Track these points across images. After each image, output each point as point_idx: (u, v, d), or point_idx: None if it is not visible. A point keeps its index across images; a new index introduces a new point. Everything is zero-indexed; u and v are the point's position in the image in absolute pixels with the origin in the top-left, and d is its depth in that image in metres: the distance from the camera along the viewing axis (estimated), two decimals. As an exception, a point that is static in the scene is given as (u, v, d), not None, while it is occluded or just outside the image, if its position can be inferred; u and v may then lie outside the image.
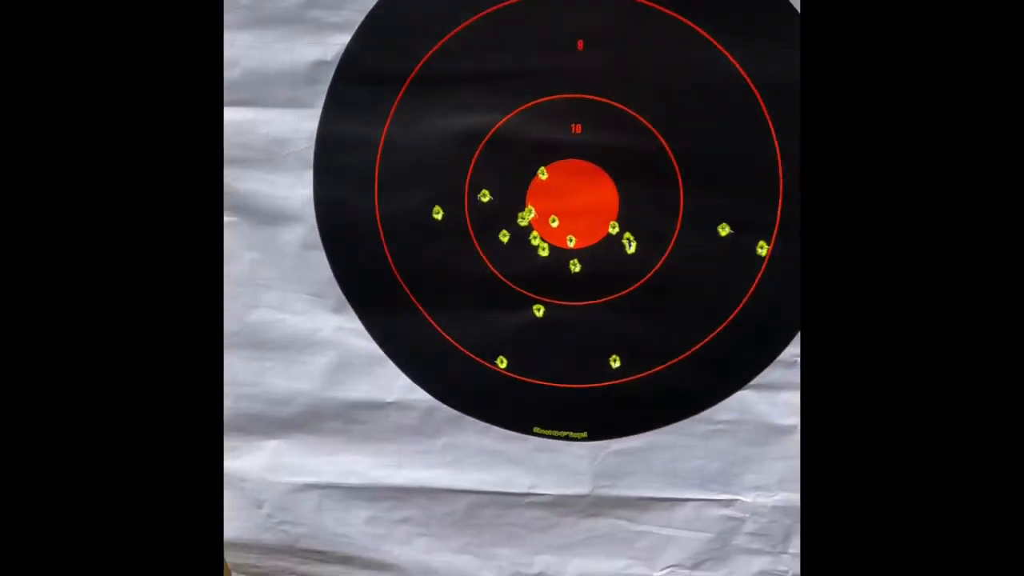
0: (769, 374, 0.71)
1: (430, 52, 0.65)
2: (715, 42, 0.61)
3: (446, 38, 0.64)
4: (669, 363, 0.71)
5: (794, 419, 0.72)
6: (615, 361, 0.72)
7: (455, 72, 0.65)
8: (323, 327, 0.74)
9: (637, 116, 0.64)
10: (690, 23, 0.62)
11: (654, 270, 0.68)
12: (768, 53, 0.61)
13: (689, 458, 0.74)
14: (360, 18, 0.65)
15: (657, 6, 0.62)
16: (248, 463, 0.79)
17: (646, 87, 0.63)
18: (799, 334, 0.69)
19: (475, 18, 0.65)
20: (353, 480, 0.78)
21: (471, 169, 0.67)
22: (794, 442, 0.73)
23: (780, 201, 0.65)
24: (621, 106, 0.64)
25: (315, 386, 0.75)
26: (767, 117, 0.62)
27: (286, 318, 0.74)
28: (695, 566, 0.79)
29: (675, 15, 0.62)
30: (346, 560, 0.81)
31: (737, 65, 0.61)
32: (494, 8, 0.64)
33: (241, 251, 0.72)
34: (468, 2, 0.65)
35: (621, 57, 0.63)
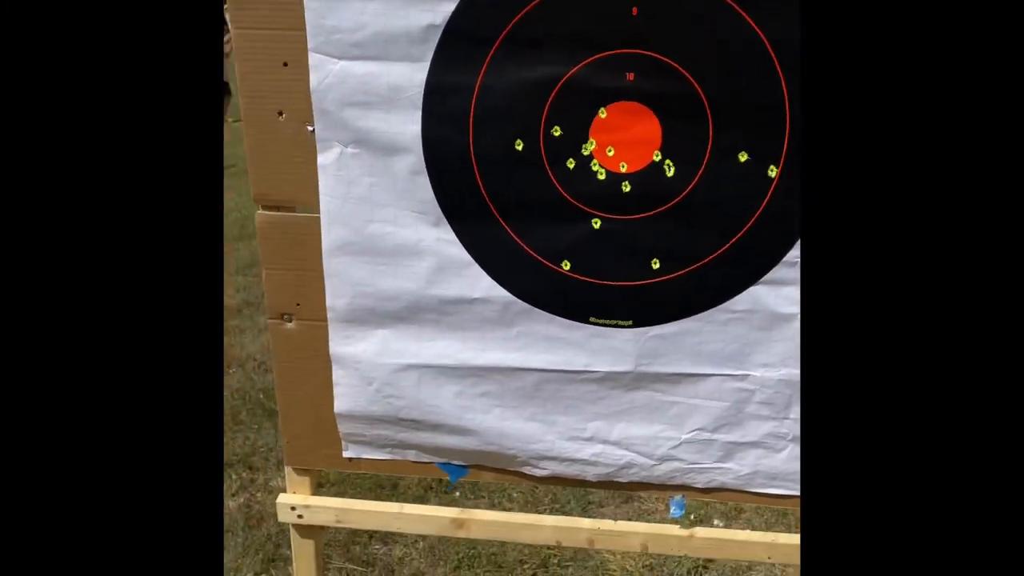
0: (776, 272, 0.90)
1: (516, 18, 0.83)
2: (736, 7, 0.80)
3: (529, 7, 0.83)
4: (698, 264, 0.91)
5: (795, 308, 0.92)
6: (655, 263, 0.92)
7: (535, 34, 0.83)
8: (425, 238, 0.93)
9: (678, 67, 0.83)
10: (721, -5, 0.81)
11: (688, 190, 0.88)
12: (778, 12, 0.79)
13: (712, 341, 0.95)
14: (464, -10, 0.84)
15: (695, -18, 0.81)
16: (361, 348, 0.99)
17: (685, 44, 0.82)
18: (799, 241, 0.88)
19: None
20: (445, 361, 0.98)
21: (546, 110, 0.86)
22: (795, 327, 0.93)
23: (787, 133, 0.84)
24: (666, 59, 0.83)
25: (417, 286, 0.95)
26: (777, 66, 0.81)
27: (396, 231, 0.93)
28: (715, 430, 1.00)
29: (708, -11, 0.81)
30: (436, 427, 1.02)
31: (753, 24, 0.80)
32: (566, -16, 0.83)
33: (362, 177, 0.91)
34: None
35: (666, 21, 0.82)
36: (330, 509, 1.10)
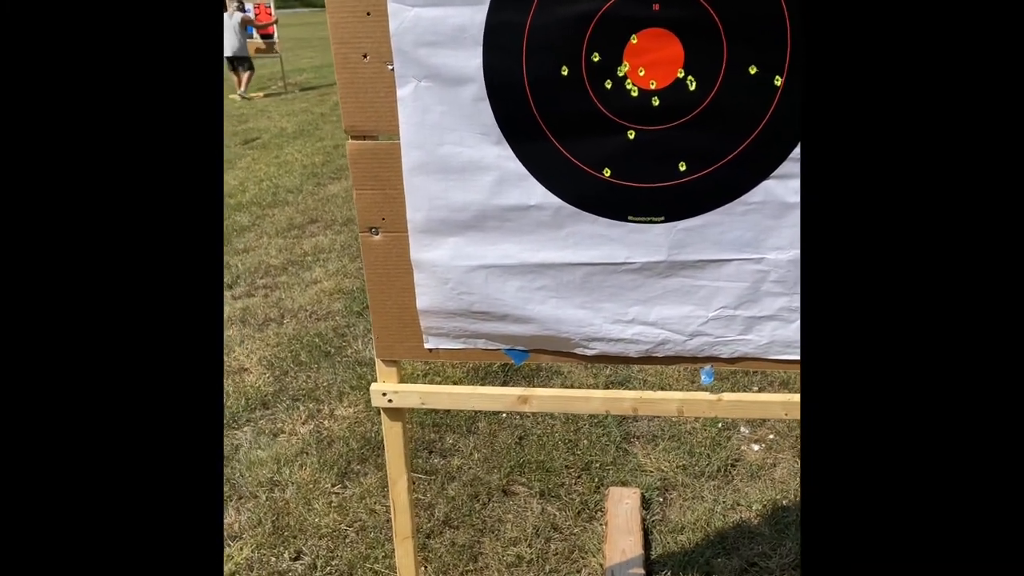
0: (783, 168, 1.08)
1: (560, -37, 1.01)
2: (745, -55, 0.97)
3: (570, -47, 1.00)
4: (718, 164, 1.09)
5: (797, 197, 1.09)
6: (682, 166, 1.10)
7: (576, -25, 1.01)
8: (487, 155, 1.12)
9: (695, -3, 1.00)
10: (729, -67, 0.97)
11: (707, 100, 1.05)
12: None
13: (732, 230, 1.13)
14: (514, -57, 1.01)
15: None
16: (437, 254, 1.19)
17: (701, -23, 0.99)
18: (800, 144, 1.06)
19: (587, -62, 1.01)
20: (507, 261, 1.18)
21: (586, 40, 1.04)
22: (796, 214, 1.10)
23: (788, 47, 1.01)
24: (685, -9, 1.00)
25: (482, 197, 1.14)
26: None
27: (463, 151, 1.12)
28: (737, 307, 1.18)
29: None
30: (502, 317, 1.22)
31: (759, -41, 0.97)
32: (600, -69, 1.00)
33: (434, 105, 1.10)
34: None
35: (684, -42, 0.99)
36: (415, 393, 1.30)
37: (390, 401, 1.31)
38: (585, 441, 2.33)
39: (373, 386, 1.31)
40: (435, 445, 2.33)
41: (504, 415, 2.46)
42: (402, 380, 1.33)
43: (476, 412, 2.47)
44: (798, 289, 1.16)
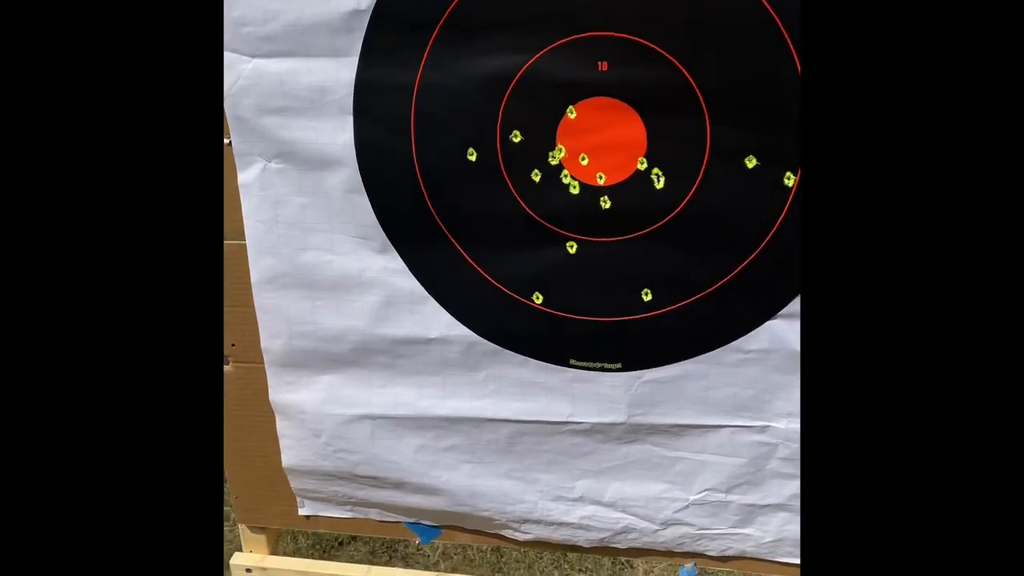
0: (798, 304, 0.72)
1: (451, 7, 0.67)
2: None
3: (472, -15, 0.66)
4: (700, 295, 0.73)
5: (824, 347, 0.73)
6: (647, 294, 0.74)
7: (483, 16, 0.67)
8: (369, 267, 0.78)
9: (662, 52, 0.65)
10: (713, -44, 0.62)
11: (683, 204, 0.70)
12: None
13: (721, 386, 0.77)
14: (391, -34, 0.67)
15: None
16: (305, 396, 0.85)
17: (671, 22, 0.64)
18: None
19: (501, -38, 0.66)
20: (402, 411, 0.83)
21: (502, 110, 0.69)
22: (825, 370, 0.74)
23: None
24: (646, 42, 0.65)
25: (364, 323, 0.80)
26: (789, 46, 0.63)
27: (334, 259, 0.78)
28: (729, 490, 0.82)
29: (696, -52, 0.63)
30: (399, 485, 0.87)
31: (766, 4, 0.62)
32: (519, -49, 0.66)
33: (290, 196, 0.76)
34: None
35: (645, -6, 0.64)
36: (290, 572, 0.96)
37: (257, 579, 0.96)
38: None
39: (235, 557, 0.97)
40: None
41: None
42: (280, 547, 0.99)
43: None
44: (819, 472, 0.78)
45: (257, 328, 0.83)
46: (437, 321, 0.79)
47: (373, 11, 0.68)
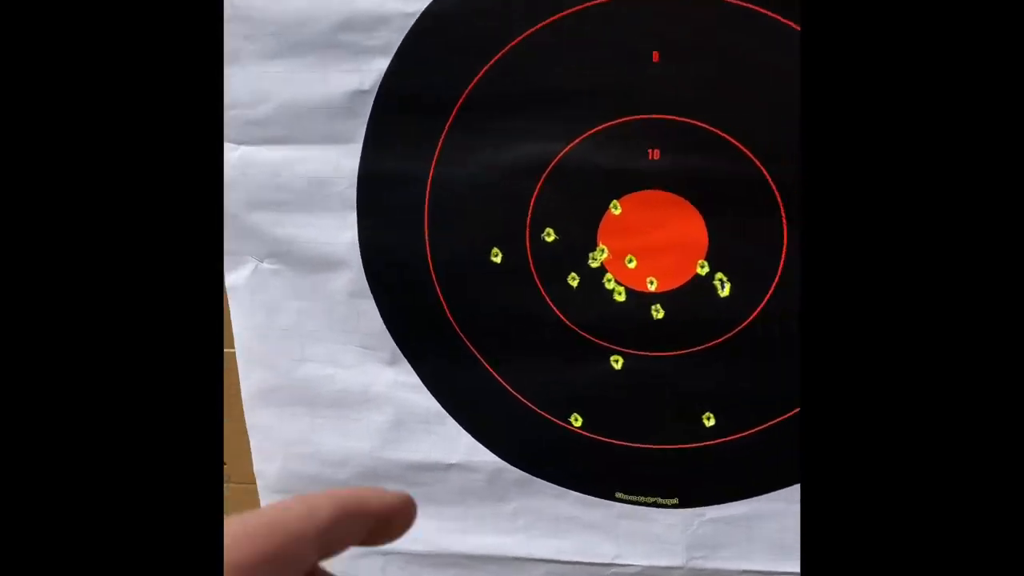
0: (898, 434, 0.59)
1: (481, 73, 0.56)
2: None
3: (498, 56, 0.55)
4: (773, 421, 0.60)
5: (930, 486, 0.60)
6: (709, 419, 0.61)
7: (510, 95, 0.56)
8: (377, 382, 0.66)
9: (727, 136, 0.53)
10: (791, 23, 0.51)
11: (754, 315, 0.57)
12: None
13: (797, 528, 0.63)
14: (399, 39, 0.57)
15: (750, 5, 0.51)
16: (305, 526, 0.73)
17: (736, 102, 0.52)
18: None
19: (531, 31, 0.55)
20: (418, 546, 0.71)
21: (532, 205, 0.58)
22: (930, 513, 0.61)
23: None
24: (706, 126, 0.53)
25: (372, 446, 0.68)
26: (892, 132, 0.50)
27: (337, 372, 0.67)
28: (810, 648, 0.68)
29: (773, 15, 0.51)
30: (414, 630, 0.74)
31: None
32: (553, 18, 0.55)
33: (286, 301, 0.66)
34: (523, 13, 0.55)
35: (704, 68, 0.52)
36: None
37: None
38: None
39: None
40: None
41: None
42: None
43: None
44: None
45: (246, 447, 0.72)
46: (457, 444, 0.67)
47: (378, 92, 0.57)
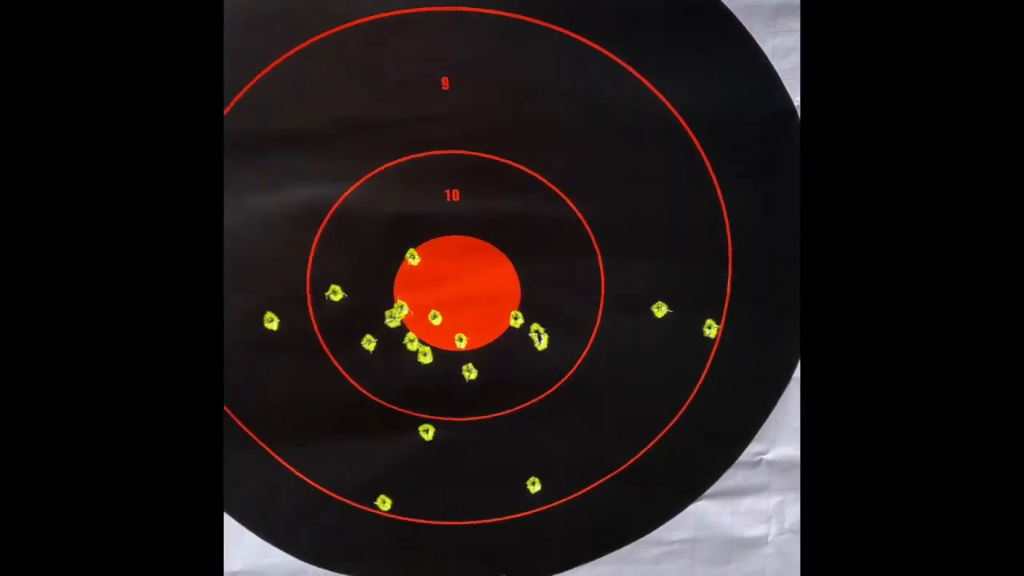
0: (729, 479, 0.55)
1: (233, 102, 0.45)
2: (630, 68, 0.45)
3: (261, 74, 0.45)
4: (603, 479, 0.55)
5: (763, 528, 0.57)
6: (534, 484, 0.55)
7: (277, 131, 0.46)
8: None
9: (532, 173, 0.47)
10: (593, 44, 0.45)
11: (574, 368, 0.51)
12: (702, 83, 0.45)
13: (638, 589, 0.58)
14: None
15: (547, 24, 0.45)
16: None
17: (540, 134, 0.46)
18: (765, 426, 0.54)
19: (301, 46, 0.46)
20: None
21: (311, 260, 0.48)
22: (762, 555, 0.58)
23: (730, 267, 0.49)
24: (509, 162, 0.46)
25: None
26: (706, 163, 0.46)
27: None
28: None
29: (573, 35, 0.45)
30: None
31: (663, 99, 0.45)
32: (321, 36, 0.46)
33: None
34: (288, 30, 0.46)
35: (502, 96, 0.45)
36: None
37: None
38: None
39: None
40: None
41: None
42: None
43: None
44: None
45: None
46: (241, 547, 0.55)
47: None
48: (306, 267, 0.49)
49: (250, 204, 0.47)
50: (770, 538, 0.57)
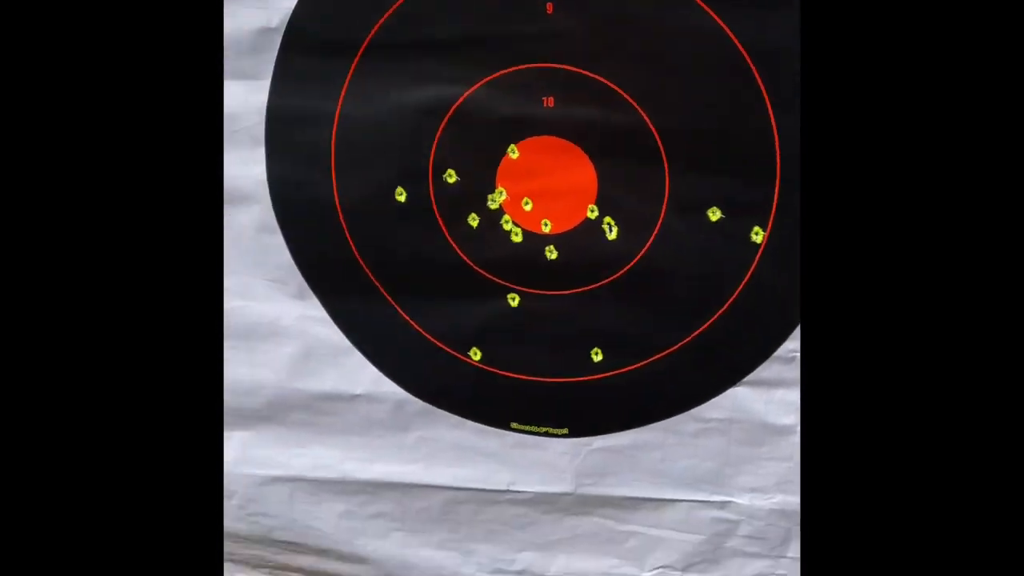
0: (765, 370, 0.64)
1: (383, 17, 0.58)
2: (702, 4, 0.54)
3: (400, 1, 0.58)
4: (655, 357, 0.65)
5: (792, 418, 0.65)
6: (597, 354, 0.66)
7: (412, 39, 0.58)
8: (285, 315, 0.69)
9: (616, 88, 0.57)
10: (673, -19, 0.54)
11: (637, 258, 0.62)
12: (763, 16, 0.53)
13: (678, 457, 0.69)
14: (306, -21, 0.58)
15: (634, -38, 0.54)
16: (215, 454, 0.75)
17: (625, 55, 0.56)
18: (799, 328, 0.62)
19: (435, -23, 0.58)
20: (323, 473, 0.74)
21: (435, 147, 0.61)
22: (792, 443, 0.66)
23: (777, 182, 0.57)
24: (598, 76, 0.57)
25: (280, 377, 0.71)
26: (762, 89, 0.55)
27: (247, 304, 0.69)
28: (686, 568, 0.74)
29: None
30: (321, 552, 0.78)
31: (727, 30, 0.54)
32: (455, -35, 0.57)
33: (196, 234, 0.67)
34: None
35: (597, 21, 0.56)
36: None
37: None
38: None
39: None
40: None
41: None
42: None
43: None
44: (787, 551, 0.71)
45: (163, 376, 0.74)
46: (362, 376, 0.70)
47: (285, 30, 0.59)
48: (430, 153, 0.61)
49: (392, 99, 0.60)
50: (799, 428, 0.66)
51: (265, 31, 0.59)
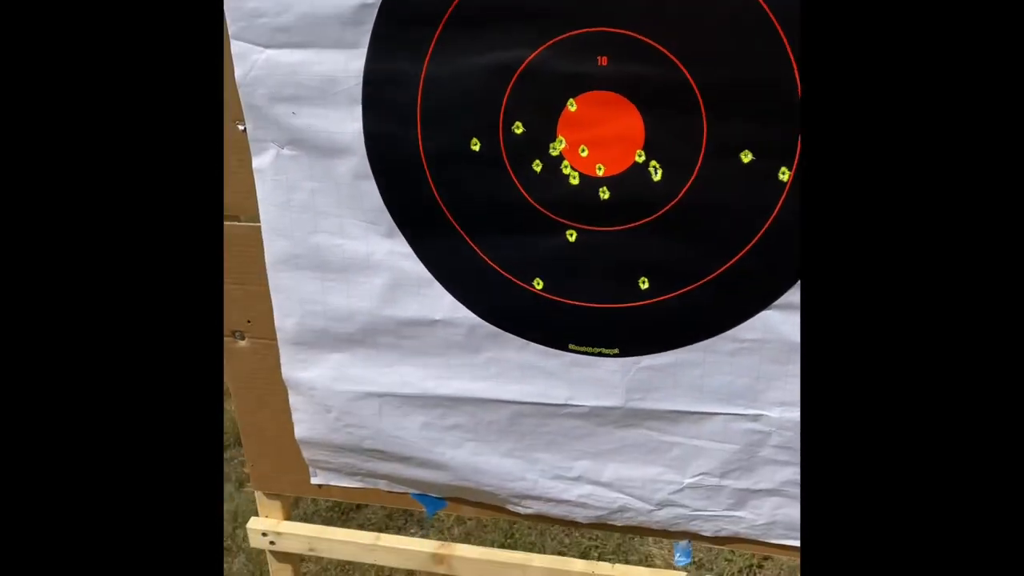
0: (791, 295, 0.73)
1: (463, -8, 0.69)
2: (734, -28, 0.63)
3: (478, -23, 0.68)
4: (695, 284, 0.75)
5: (817, 339, 0.75)
6: (644, 283, 0.76)
7: (487, 11, 0.68)
8: (377, 251, 0.81)
9: (660, 48, 0.66)
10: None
11: (679, 197, 0.71)
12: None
13: (716, 374, 0.79)
14: (399, -38, 0.69)
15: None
16: (316, 373, 0.88)
17: (668, 19, 0.65)
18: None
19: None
20: (407, 390, 0.87)
21: (504, 103, 0.71)
22: (817, 361, 0.76)
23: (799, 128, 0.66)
24: (645, 38, 0.66)
25: (372, 305, 0.83)
26: (784, 43, 0.63)
27: (344, 243, 0.81)
28: (723, 475, 0.84)
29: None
30: (404, 459, 0.91)
31: (756, -5, 0.63)
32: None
33: (302, 181, 0.79)
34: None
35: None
36: (303, 537, 1.01)
37: (272, 543, 1.01)
38: None
39: (252, 521, 1.02)
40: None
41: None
42: (294, 514, 1.04)
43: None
44: (811, 459, 0.80)
45: (268, 306, 0.87)
46: (441, 304, 0.82)
47: (381, 5, 0.70)
48: (500, 107, 0.72)
49: (469, 62, 0.70)
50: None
51: (364, 6, 0.70)
